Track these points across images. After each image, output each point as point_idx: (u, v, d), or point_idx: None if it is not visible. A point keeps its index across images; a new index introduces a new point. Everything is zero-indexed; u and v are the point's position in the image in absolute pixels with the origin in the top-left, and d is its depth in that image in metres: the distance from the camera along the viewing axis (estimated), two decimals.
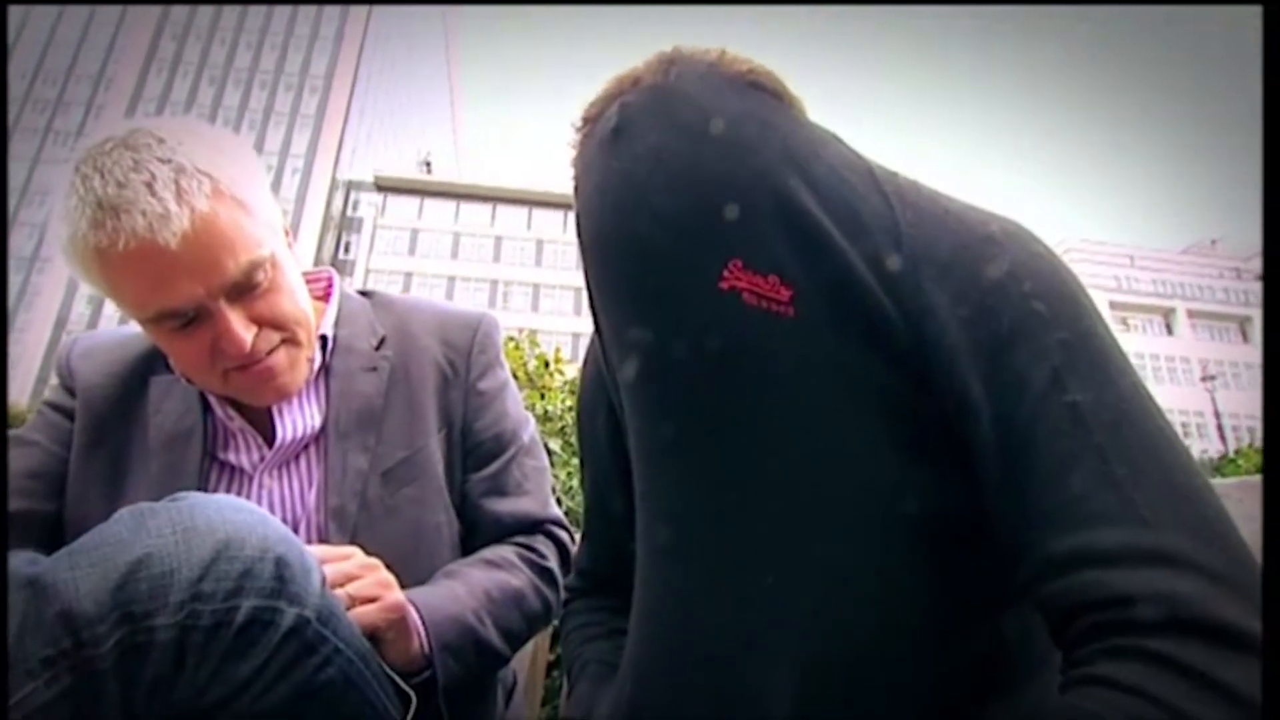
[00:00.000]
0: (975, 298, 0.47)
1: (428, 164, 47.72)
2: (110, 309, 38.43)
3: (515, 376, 3.39)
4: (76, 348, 0.89)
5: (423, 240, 41.08)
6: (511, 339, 3.51)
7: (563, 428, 3.01)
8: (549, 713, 1.27)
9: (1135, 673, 0.36)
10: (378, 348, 0.89)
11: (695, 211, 0.48)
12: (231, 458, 0.83)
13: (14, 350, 42.73)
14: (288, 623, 0.51)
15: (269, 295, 0.75)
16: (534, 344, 3.49)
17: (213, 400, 0.83)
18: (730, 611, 0.50)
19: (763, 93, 0.54)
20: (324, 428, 0.84)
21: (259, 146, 41.50)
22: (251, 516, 0.54)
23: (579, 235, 0.57)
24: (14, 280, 45.89)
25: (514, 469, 0.93)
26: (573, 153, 0.59)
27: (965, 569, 0.48)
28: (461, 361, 0.92)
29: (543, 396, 3.37)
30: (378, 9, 46.72)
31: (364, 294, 0.96)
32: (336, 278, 0.95)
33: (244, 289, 0.73)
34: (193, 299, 0.69)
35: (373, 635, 0.64)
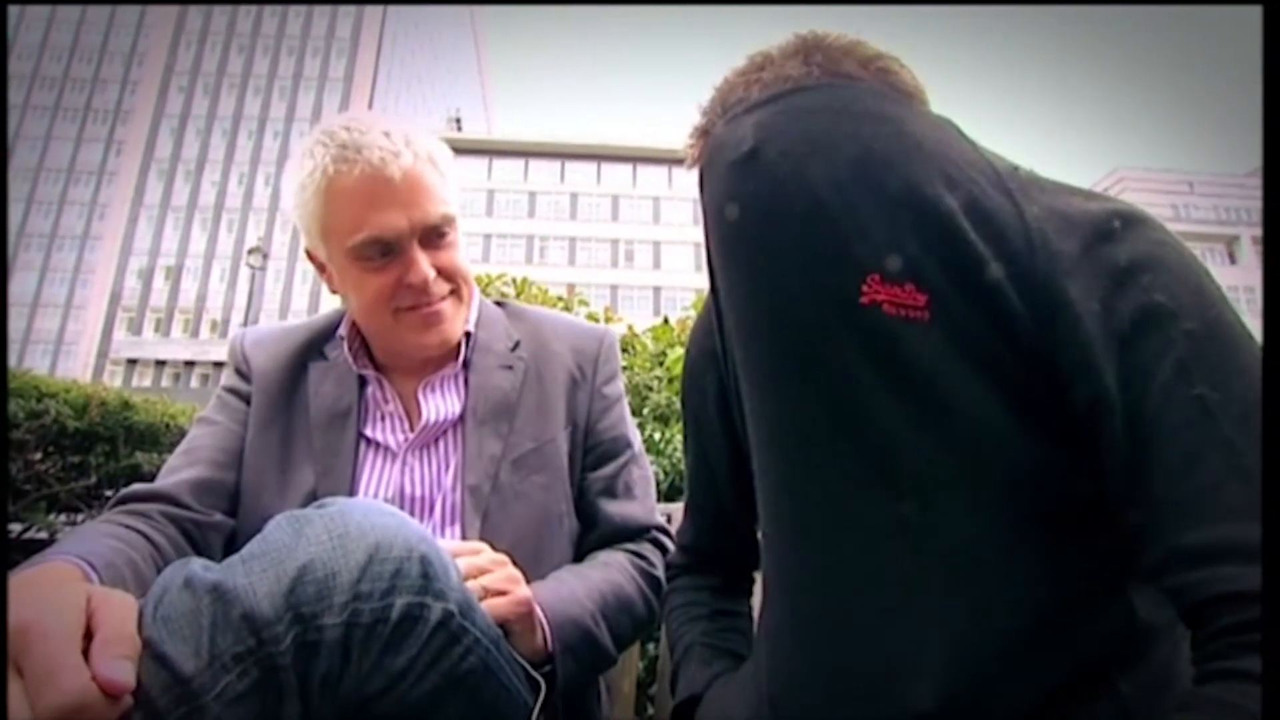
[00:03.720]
0: (1102, 292, 0.48)
1: (458, 121, 47.42)
2: (159, 281, 39.51)
3: None
4: (248, 339, 0.99)
5: None
6: (560, 299, 3.43)
7: None
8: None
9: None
10: (513, 349, 0.98)
11: (834, 235, 0.50)
12: (380, 437, 0.91)
13: (73, 328, 44.31)
14: (435, 617, 0.56)
15: (450, 249, 0.88)
16: (582, 302, 3.41)
17: (370, 380, 0.93)
18: (874, 599, 0.52)
19: (893, 89, 0.55)
20: (463, 416, 0.92)
21: (290, 113, 41.72)
22: (394, 519, 0.58)
23: (709, 225, 0.59)
24: (68, 258, 47.36)
25: (626, 474, 0.99)
26: (696, 139, 0.62)
27: (1092, 550, 0.51)
28: (589, 367, 1.00)
29: None
30: None
31: (498, 304, 1.05)
32: (474, 285, 1.01)
33: (434, 235, 0.85)
34: (397, 230, 0.82)
35: (502, 626, 0.68)
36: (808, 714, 0.55)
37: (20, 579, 0.57)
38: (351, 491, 0.87)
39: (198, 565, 0.54)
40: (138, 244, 40.40)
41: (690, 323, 3.09)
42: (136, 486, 0.83)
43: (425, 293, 0.85)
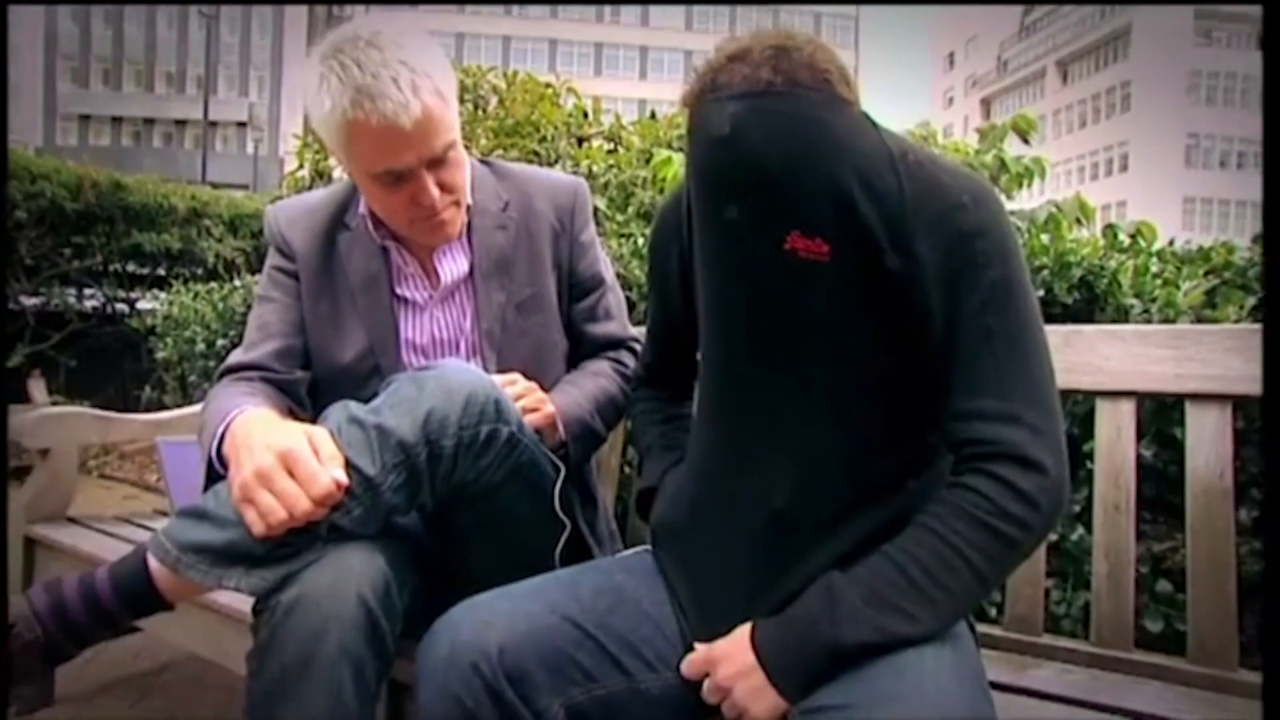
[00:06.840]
0: (945, 246, 0.75)
1: None
2: (99, 27, 35.78)
3: (553, 126, 3.31)
4: (282, 219, 1.20)
5: None
6: (548, 85, 3.37)
7: (605, 184, 3.00)
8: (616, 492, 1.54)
9: (980, 483, 0.71)
10: (504, 209, 1.20)
11: (772, 200, 0.75)
12: (409, 294, 1.17)
13: (11, 76, 40.82)
14: (505, 435, 0.89)
15: (452, 168, 1.05)
16: (574, 93, 3.36)
17: (391, 249, 1.15)
18: (762, 435, 0.83)
19: (833, 92, 0.75)
20: (471, 271, 1.17)
21: None
22: (475, 374, 0.90)
23: (692, 169, 0.83)
24: None
25: (604, 302, 1.27)
26: (689, 95, 0.81)
27: (908, 408, 0.81)
28: (567, 219, 1.24)
29: (580, 145, 3.30)
30: None
31: (483, 162, 1.25)
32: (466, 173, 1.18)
33: (440, 161, 1.02)
34: (410, 165, 0.99)
35: (536, 430, 0.99)
36: (702, 509, 0.88)
37: (255, 419, 0.90)
38: (395, 340, 1.16)
39: (355, 408, 0.86)
40: None
41: (678, 120, 3.10)
42: (232, 360, 1.12)
43: (433, 209, 1.04)
